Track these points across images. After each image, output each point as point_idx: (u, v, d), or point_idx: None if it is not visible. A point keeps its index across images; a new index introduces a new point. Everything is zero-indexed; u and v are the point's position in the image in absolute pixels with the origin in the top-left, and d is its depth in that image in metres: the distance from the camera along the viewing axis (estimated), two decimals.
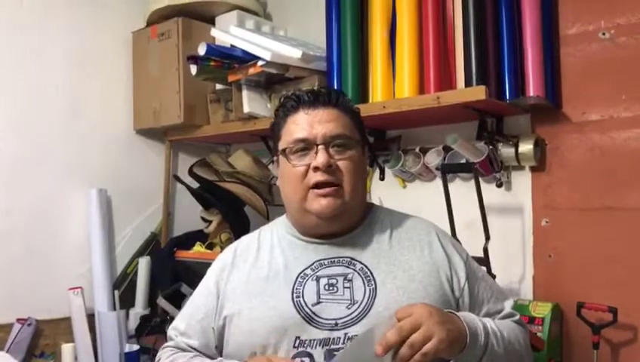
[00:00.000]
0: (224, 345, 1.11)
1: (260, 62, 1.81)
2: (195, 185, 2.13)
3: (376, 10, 1.74)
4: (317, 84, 1.83)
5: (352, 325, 1.01)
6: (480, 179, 1.58)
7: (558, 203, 1.61)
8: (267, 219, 1.96)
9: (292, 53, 1.81)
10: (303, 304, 1.04)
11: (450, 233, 1.47)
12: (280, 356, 1.01)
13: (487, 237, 1.53)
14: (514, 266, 1.67)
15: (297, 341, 1.02)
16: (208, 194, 2.08)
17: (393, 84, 1.71)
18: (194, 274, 1.91)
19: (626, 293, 1.48)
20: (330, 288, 1.06)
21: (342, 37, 1.81)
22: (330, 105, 1.11)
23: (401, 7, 1.68)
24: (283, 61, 1.82)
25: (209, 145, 2.42)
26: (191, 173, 2.10)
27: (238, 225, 2.02)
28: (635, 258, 1.48)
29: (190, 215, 2.24)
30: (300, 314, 1.03)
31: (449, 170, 1.68)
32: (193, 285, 1.82)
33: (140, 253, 2.24)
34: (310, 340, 1.01)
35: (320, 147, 1.07)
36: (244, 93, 1.97)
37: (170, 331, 1.19)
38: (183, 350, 1.15)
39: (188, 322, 1.16)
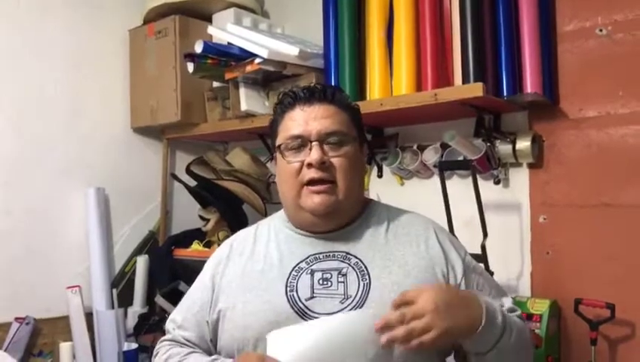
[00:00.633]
0: (218, 338, 1.11)
1: (257, 60, 1.81)
2: (192, 183, 2.13)
3: (374, 7, 1.74)
4: (314, 81, 1.83)
5: None
6: (477, 176, 1.58)
7: (555, 199, 1.61)
8: (265, 216, 1.96)
9: (289, 51, 1.81)
10: (297, 298, 1.04)
11: (447, 230, 1.47)
12: None
13: (485, 235, 1.53)
14: (512, 263, 1.67)
15: None
16: (206, 193, 2.08)
17: (390, 81, 1.71)
18: (192, 272, 1.88)
19: (623, 290, 1.48)
20: (325, 282, 1.05)
21: (339, 34, 1.80)
22: (326, 102, 1.11)
23: (399, 4, 1.68)
24: (280, 58, 1.81)
25: (206, 143, 2.42)
26: (188, 171, 2.10)
27: (236, 224, 2.01)
28: (632, 254, 1.48)
29: (188, 213, 2.24)
30: (293, 308, 1.03)
31: (447, 168, 1.68)
32: (191, 283, 1.81)
33: (138, 252, 2.24)
34: None
35: (314, 143, 1.07)
36: (242, 90, 1.97)
37: (168, 324, 1.20)
38: (180, 343, 1.14)
39: (184, 315, 1.17)
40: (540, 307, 1.54)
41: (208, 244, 2.08)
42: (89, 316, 2.00)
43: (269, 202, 2.06)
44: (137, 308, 2.15)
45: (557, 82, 1.60)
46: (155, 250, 2.23)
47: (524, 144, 1.59)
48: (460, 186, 1.71)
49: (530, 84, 1.55)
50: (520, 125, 1.66)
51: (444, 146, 1.74)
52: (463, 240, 1.23)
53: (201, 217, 2.15)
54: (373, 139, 1.94)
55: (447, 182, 1.62)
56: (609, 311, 1.45)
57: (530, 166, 1.66)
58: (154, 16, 2.18)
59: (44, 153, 2.02)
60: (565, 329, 1.58)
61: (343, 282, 1.05)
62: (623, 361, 1.50)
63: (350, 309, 1.02)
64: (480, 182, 1.58)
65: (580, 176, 1.57)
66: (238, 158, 2.09)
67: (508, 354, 1.00)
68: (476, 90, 1.49)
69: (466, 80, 1.56)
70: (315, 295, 1.04)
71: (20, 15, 1.99)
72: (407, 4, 1.66)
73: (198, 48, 1.86)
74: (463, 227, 1.61)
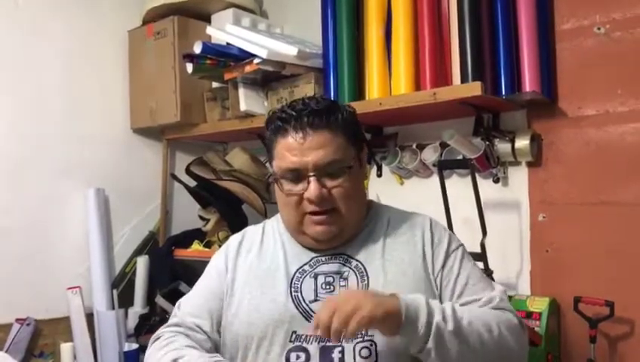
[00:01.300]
0: (222, 334, 1.11)
1: (256, 60, 1.81)
2: (192, 183, 2.14)
3: (372, 6, 1.74)
4: (313, 81, 1.83)
5: None
6: (477, 175, 1.59)
7: (554, 198, 1.62)
8: (265, 216, 1.96)
9: (288, 51, 1.81)
10: (301, 299, 1.06)
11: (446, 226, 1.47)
12: (275, 349, 1.02)
13: (484, 233, 1.54)
14: (511, 261, 1.67)
15: (294, 335, 1.03)
16: (206, 193, 2.08)
17: (389, 81, 1.71)
18: (192, 272, 1.90)
19: (622, 287, 1.48)
20: (327, 286, 1.07)
21: (338, 34, 1.80)
22: (320, 128, 1.06)
23: (397, 3, 1.68)
24: (279, 59, 1.81)
25: (206, 143, 2.42)
26: (188, 171, 2.10)
27: (236, 224, 2.02)
28: (631, 252, 1.48)
29: (188, 213, 2.24)
30: (297, 309, 1.05)
31: (446, 167, 1.68)
32: (191, 283, 1.81)
33: (138, 252, 2.24)
34: (306, 335, 1.02)
35: (312, 179, 1.05)
36: (241, 91, 1.97)
37: (175, 310, 1.16)
38: (187, 328, 1.10)
39: (195, 302, 1.14)
40: (540, 305, 1.54)
41: (208, 244, 2.08)
42: (90, 316, 2.00)
43: (268, 202, 2.07)
44: (138, 308, 2.15)
45: (555, 81, 1.61)
46: (155, 250, 2.24)
47: (523, 143, 1.59)
48: (459, 185, 1.72)
49: (529, 82, 1.55)
50: (519, 124, 1.67)
51: (444, 145, 1.74)
52: (462, 239, 1.22)
53: (201, 217, 2.15)
54: (373, 138, 1.94)
55: (447, 181, 1.62)
56: (608, 309, 1.45)
57: (529, 164, 1.66)
58: (153, 16, 2.18)
59: (44, 154, 2.02)
60: (565, 327, 1.58)
61: (345, 286, 1.06)
62: (622, 358, 1.50)
63: None
64: (479, 180, 1.58)
65: (578, 174, 1.58)
66: (238, 158, 2.10)
67: (464, 356, 0.94)
68: (475, 89, 1.49)
69: (464, 79, 1.56)
70: (318, 298, 1.06)
71: (19, 15, 1.99)
72: (405, 3, 1.66)
73: (197, 49, 1.86)
74: (462, 226, 1.61)
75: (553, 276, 1.61)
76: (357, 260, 1.10)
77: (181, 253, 2.07)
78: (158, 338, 1.10)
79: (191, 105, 2.13)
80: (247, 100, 1.96)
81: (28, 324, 1.89)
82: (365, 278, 1.07)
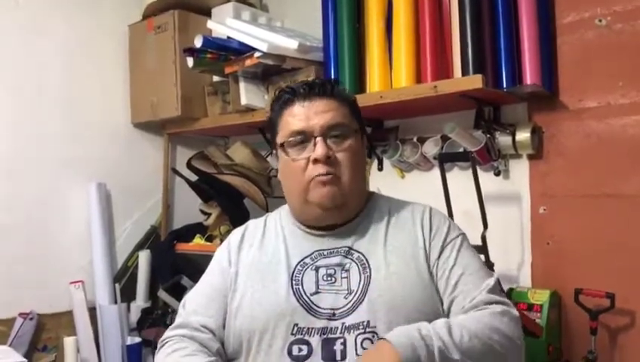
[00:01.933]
0: (225, 328, 1.10)
1: (256, 54, 1.81)
2: (193, 178, 2.14)
3: None
4: (313, 74, 1.83)
5: (348, 315, 1.02)
6: (478, 167, 1.58)
7: (555, 190, 1.62)
8: (266, 211, 1.97)
9: (289, 44, 1.81)
10: (302, 292, 1.06)
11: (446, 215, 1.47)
12: (277, 342, 1.02)
13: (485, 226, 1.54)
14: (512, 254, 1.68)
15: (295, 328, 1.03)
16: (207, 187, 2.08)
17: (390, 74, 1.71)
18: (194, 266, 1.91)
19: (623, 279, 1.49)
20: (329, 278, 1.07)
21: (338, 27, 1.80)
22: (325, 96, 1.11)
23: None
24: (280, 52, 1.81)
25: (207, 137, 2.42)
26: (189, 165, 2.11)
27: (237, 218, 2.02)
28: (632, 244, 1.48)
29: (189, 208, 2.25)
30: (299, 301, 1.05)
31: (447, 159, 1.68)
32: (193, 277, 1.83)
33: (140, 246, 2.25)
34: (308, 328, 1.02)
35: (318, 139, 1.07)
36: (242, 84, 1.97)
37: (180, 309, 1.15)
38: (194, 328, 1.09)
39: (200, 301, 1.13)
40: (541, 297, 1.54)
41: (210, 238, 2.09)
42: (92, 311, 2.00)
43: (270, 196, 2.07)
44: (140, 302, 2.16)
45: (556, 73, 1.60)
46: (157, 244, 2.24)
47: (523, 135, 1.59)
48: (460, 178, 1.72)
49: (530, 75, 1.54)
50: (520, 117, 1.67)
51: (445, 138, 1.74)
52: None
53: (203, 211, 2.16)
54: (374, 131, 1.94)
55: (448, 174, 1.62)
56: (609, 301, 1.45)
57: (530, 157, 1.66)
58: (153, 11, 2.17)
59: (45, 149, 2.03)
60: (566, 319, 1.59)
61: (347, 277, 1.06)
62: (622, 350, 1.51)
63: (354, 303, 1.03)
64: (480, 173, 1.58)
65: (579, 166, 1.58)
66: (239, 153, 2.10)
67: None
68: (476, 82, 1.49)
69: (465, 72, 1.56)
70: (319, 290, 1.06)
71: (19, 11, 1.99)
72: None
73: (198, 43, 1.86)
74: (463, 218, 1.60)
75: (554, 268, 1.61)
76: (358, 251, 1.10)
77: (183, 247, 2.08)
78: (165, 344, 1.09)
79: (192, 100, 2.13)
80: (248, 94, 1.96)
81: (31, 318, 1.90)
82: (367, 270, 1.07)
